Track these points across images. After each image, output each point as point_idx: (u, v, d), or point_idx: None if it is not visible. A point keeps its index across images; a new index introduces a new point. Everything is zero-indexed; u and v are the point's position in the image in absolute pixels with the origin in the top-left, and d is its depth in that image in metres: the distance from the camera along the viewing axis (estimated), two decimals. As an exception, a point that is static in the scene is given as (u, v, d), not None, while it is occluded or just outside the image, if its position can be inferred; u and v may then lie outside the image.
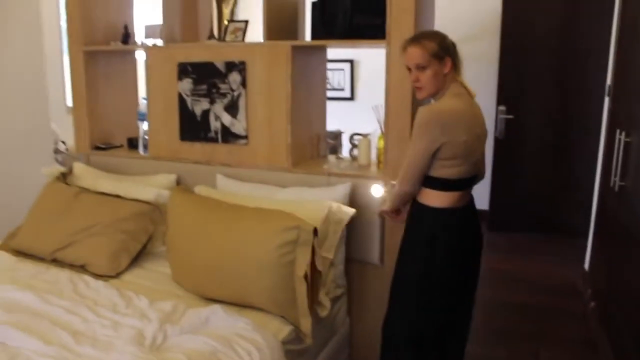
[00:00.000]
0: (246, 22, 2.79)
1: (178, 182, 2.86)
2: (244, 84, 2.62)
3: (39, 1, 3.52)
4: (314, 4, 2.62)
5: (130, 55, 3.29)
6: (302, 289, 2.02)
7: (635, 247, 2.40)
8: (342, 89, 5.52)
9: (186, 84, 2.76)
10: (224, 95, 2.68)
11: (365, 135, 2.63)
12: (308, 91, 2.69)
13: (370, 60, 5.27)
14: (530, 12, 4.62)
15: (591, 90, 4.39)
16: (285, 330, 2.03)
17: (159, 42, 2.97)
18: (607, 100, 3.50)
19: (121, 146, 3.19)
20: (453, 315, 2.07)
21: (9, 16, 3.49)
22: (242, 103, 2.64)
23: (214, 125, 2.73)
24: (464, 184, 1.98)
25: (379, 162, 2.58)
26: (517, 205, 4.85)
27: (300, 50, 2.56)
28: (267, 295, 2.05)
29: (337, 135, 2.78)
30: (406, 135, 2.33)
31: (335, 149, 2.76)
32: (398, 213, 2.16)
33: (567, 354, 2.91)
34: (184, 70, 2.75)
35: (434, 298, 2.01)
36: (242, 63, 2.61)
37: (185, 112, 2.79)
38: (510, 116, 4.69)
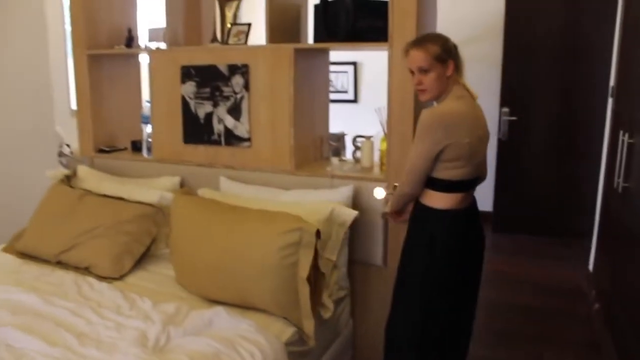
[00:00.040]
0: (249, 25, 2.80)
1: (181, 185, 2.87)
2: (246, 86, 2.63)
3: (43, 5, 3.53)
4: (316, 7, 2.63)
5: (133, 59, 3.31)
6: (304, 290, 2.03)
7: (638, 248, 2.39)
8: (345, 92, 5.53)
9: (189, 87, 2.77)
10: (227, 98, 2.69)
11: (368, 138, 2.63)
12: (311, 94, 2.70)
13: (374, 63, 5.28)
14: (533, 14, 4.62)
15: (594, 92, 4.39)
16: (288, 331, 2.04)
17: (163, 46, 2.99)
18: (610, 101, 3.50)
19: (125, 149, 3.20)
20: (456, 316, 2.07)
21: (14, 20, 3.52)
22: (245, 106, 2.65)
23: (217, 128, 2.74)
24: (466, 186, 1.98)
25: (381, 164, 2.59)
26: (520, 206, 4.85)
27: (302, 53, 2.57)
28: (270, 297, 2.05)
29: (340, 138, 2.79)
30: (409, 137, 2.34)
31: (339, 151, 2.76)
32: (400, 214, 2.17)
33: (570, 356, 2.90)
34: (187, 73, 2.76)
35: (436, 299, 2.01)
36: (245, 66, 2.62)
37: (188, 115, 2.80)
38: (514, 118, 4.69)
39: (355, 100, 5.54)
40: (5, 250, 2.68)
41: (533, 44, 4.65)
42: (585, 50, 4.52)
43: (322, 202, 2.38)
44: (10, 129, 3.58)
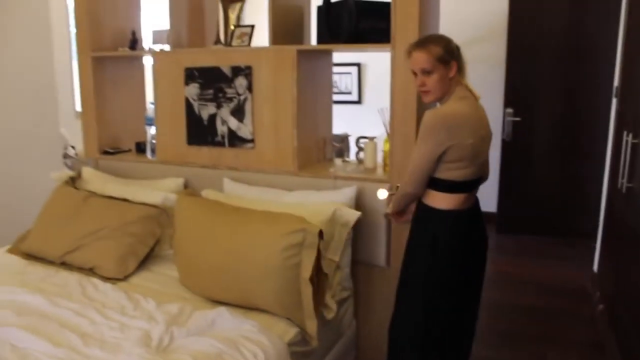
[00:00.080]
0: (252, 27, 2.81)
1: (185, 186, 2.88)
2: (250, 88, 2.64)
3: (48, 8, 3.56)
4: (319, 9, 2.64)
5: (137, 61, 3.32)
6: (307, 291, 2.03)
7: (642, 249, 2.39)
8: (349, 93, 5.53)
9: (193, 89, 2.78)
10: (230, 99, 2.70)
11: (371, 139, 2.64)
12: (314, 95, 2.71)
13: (377, 64, 5.27)
14: (537, 14, 4.61)
15: (598, 92, 4.38)
16: (291, 332, 2.04)
17: (166, 48, 3.00)
18: (614, 101, 3.49)
19: (129, 150, 3.22)
20: (458, 316, 2.08)
21: (18, 23, 3.54)
22: (248, 107, 2.66)
23: (221, 129, 2.75)
24: (469, 186, 1.98)
25: (384, 165, 2.59)
26: (524, 207, 4.84)
27: (305, 55, 2.58)
28: (273, 298, 2.06)
29: (343, 139, 2.80)
30: (411, 138, 2.34)
31: (342, 152, 2.77)
32: (401, 214, 2.17)
33: (574, 357, 2.90)
34: (191, 75, 2.77)
35: (439, 299, 2.02)
36: (249, 68, 2.63)
37: (192, 117, 2.82)
38: (518, 118, 4.68)
39: (359, 102, 5.54)
40: (11, 251, 2.70)
41: (537, 44, 4.63)
42: (589, 50, 4.51)
43: (325, 203, 2.39)
44: (14, 131, 3.60)
